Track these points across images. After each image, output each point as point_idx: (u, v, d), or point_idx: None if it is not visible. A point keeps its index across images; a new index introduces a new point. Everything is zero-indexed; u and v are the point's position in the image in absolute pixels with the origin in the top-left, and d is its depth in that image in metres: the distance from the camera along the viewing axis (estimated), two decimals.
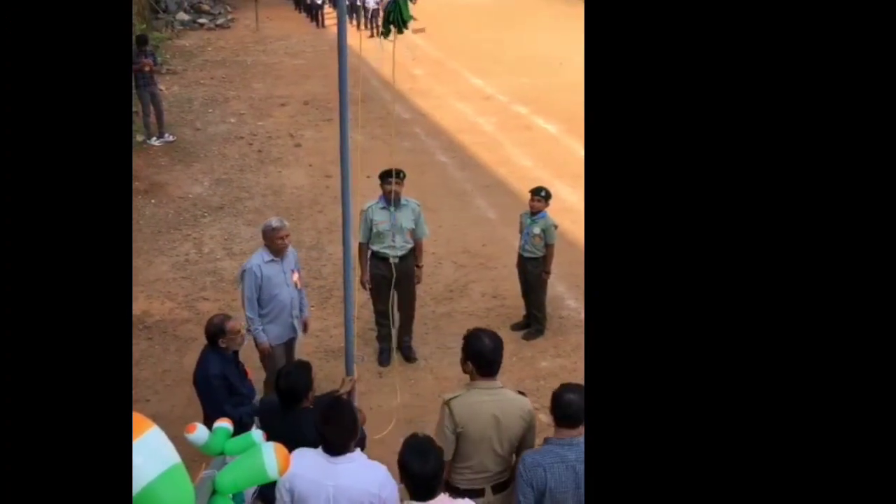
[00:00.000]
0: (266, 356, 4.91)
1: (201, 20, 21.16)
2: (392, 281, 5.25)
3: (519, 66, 16.22)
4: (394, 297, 5.60)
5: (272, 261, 4.74)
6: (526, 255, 5.95)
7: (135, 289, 6.71)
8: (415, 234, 5.64)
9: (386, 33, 3.58)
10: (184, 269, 7.26)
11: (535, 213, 5.85)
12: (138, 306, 6.39)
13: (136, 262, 7.20)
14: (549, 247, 5.85)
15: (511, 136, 11.50)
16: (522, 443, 3.24)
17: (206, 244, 7.81)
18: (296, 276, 4.91)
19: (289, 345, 5.03)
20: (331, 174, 9.57)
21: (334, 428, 2.80)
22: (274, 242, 4.72)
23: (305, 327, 5.21)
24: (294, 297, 4.90)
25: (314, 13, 21.79)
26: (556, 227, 5.88)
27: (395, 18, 3.52)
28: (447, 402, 3.21)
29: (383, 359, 5.78)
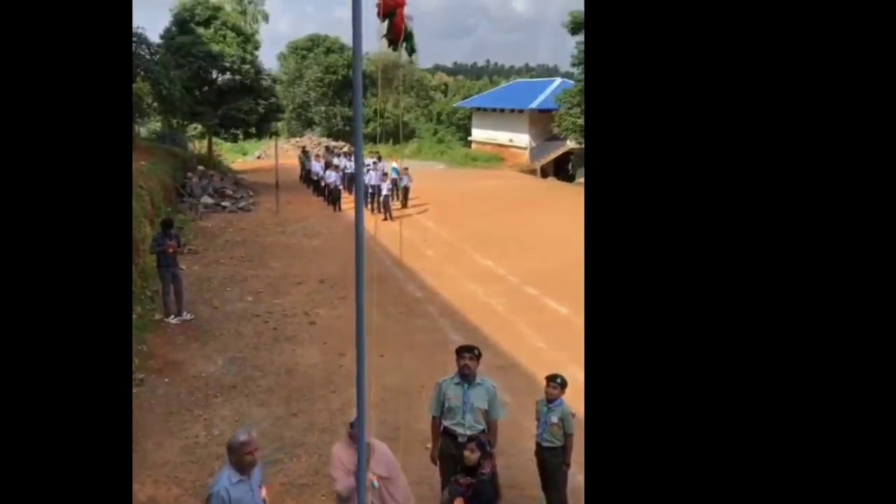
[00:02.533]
0: None
1: (224, 203, 22.27)
2: (457, 459, 5.10)
3: (528, 247, 16.79)
4: None
5: (240, 481, 4.38)
6: (544, 444, 5.82)
7: (142, 473, 6.54)
8: (488, 415, 5.54)
9: (393, 46, 4.12)
10: (192, 453, 7.09)
11: (551, 400, 5.80)
12: (145, 492, 6.20)
13: (146, 445, 7.07)
14: (568, 436, 5.74)
15: (523, 318, 11.65)
16: None
17: (216, 425, 7.69)
18: (263, 492, 4.60)
19: None
20: (344, 352, 9.63)
21: None
22: (242, 458, 4.38)
23: None
24: None
25: (331, 197, 22.95)
26: (573, 415, 5.81)
27: (409, 46, 4.11)
28: None
29: None
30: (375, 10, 3.99)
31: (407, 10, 4.14)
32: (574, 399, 6.15)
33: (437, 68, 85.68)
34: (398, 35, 4.08)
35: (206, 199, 22.09)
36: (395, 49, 4.21)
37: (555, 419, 5.74)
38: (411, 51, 4.23)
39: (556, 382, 5.83)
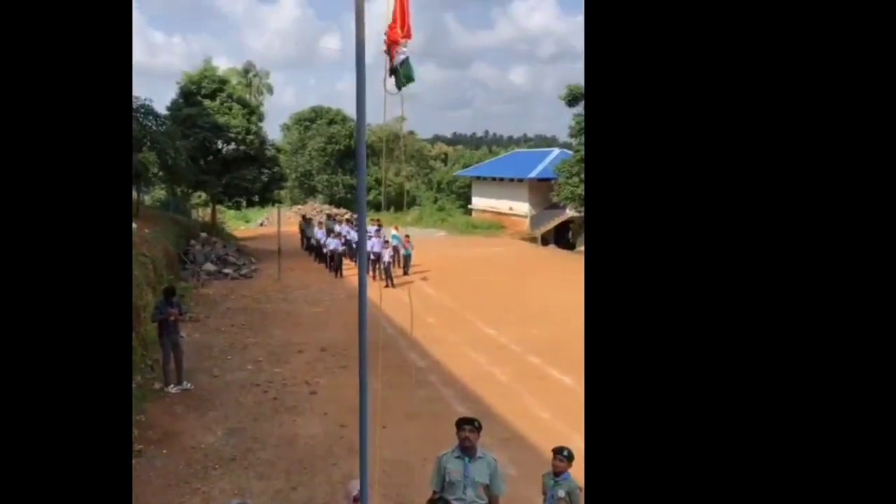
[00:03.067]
0: None
1: (226, 270, 22.32)
2: None
3: (530, 315, 16.75)
4: None
5: None
6: None
7: None
8: (490, 490, 5.39)
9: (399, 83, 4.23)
10: None
11: (558, 473, 5.69)
12: None
13: None
14: None
15: (527, 387, 11.53)
16: None
17: (214, 499, 7.51)
18: None
19: None
20: (346, 423, 9.49)
21: None
22: None
23: None
24: None
25: (333, 264, 23.03)
26: (581, 489, 5.68)
27: (405, 73, 4.16)
28: None
29: None
30: (382, 84, 4.18)
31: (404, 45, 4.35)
32: (581, 473, 6.03)
33: (436, 138, 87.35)
34: (392, 61, 4.28)
35: (209, 267, 22.17)
36: (397, 84, 4.37)
37: (562, 493, 5.61)
38: (408, 79, 4.35)
39: (563, 455, 5.73)
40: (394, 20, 4.16)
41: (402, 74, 4.27)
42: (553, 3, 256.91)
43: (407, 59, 4.31)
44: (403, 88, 4.17)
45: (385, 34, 4.14)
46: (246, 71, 49.46)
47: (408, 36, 4.20)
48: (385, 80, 4.27)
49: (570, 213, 34.50)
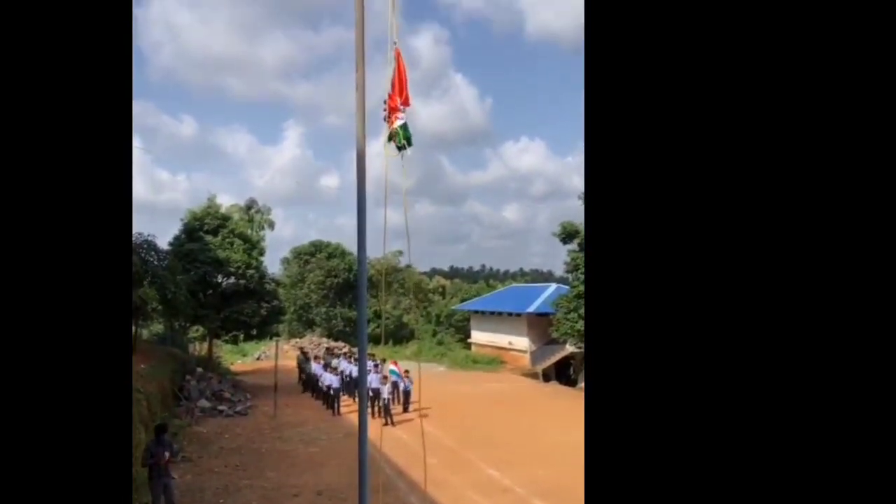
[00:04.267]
0: None
1: (221, 407, 21.80)
2: None
3: (534, 455, 16.18)
4: None
5: None
6: None
7: None
8: None
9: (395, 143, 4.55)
10: None
11: None
12: None
13: None
14: None
15: None
16: None
17: None
18: None
19: None
20: None
21: None
22: None
23: None
24: None
25: (330, 400, 22.51)
26: None
27: (404, 135, 4.48)
28: None
29: None
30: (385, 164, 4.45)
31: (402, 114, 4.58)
32: None
33: (434, 272, 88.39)
34: (392, 126, 4.58)
35: (204, 403, 21.66)
36: (398, 147, 4.61)
37: None
38: (407, 141, 4.54)
39: None
40: (393, 89, 4.53)
41: (400, 136, 4.52)
42: (542, 146, 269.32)
43: (405, 123, 4.62)
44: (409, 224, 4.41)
45: (385, 102, 4.52)
46: (248, 207, 50.73)
47: (406, 103, 4.55)
48: (384, 144, 4.57)
49: (570, 348, 34.27)
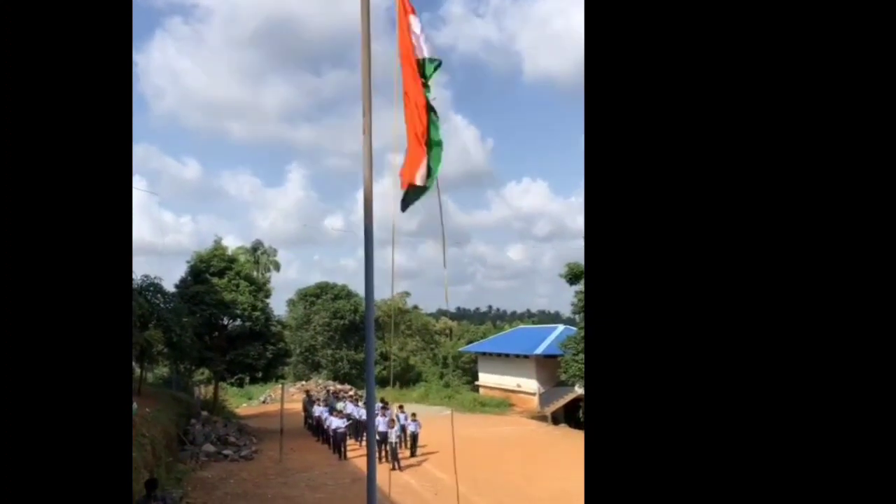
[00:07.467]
0: None
1: (226, 451, 21.46)
2: None
3: (545, 501, 15.80)
4: None
5: None
6: None
7: None
8: None
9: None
10: None
11: None
12: None
13: None
14: None
15: None
16: None
17: None
18: None
19: None
20: None
21: None
22: None
23: None
24: None
25: (336, 445, 22.14)
26: None
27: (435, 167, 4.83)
28: None
29: None
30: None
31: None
32: None
33: (441, 313, 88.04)
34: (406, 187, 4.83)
35: (208, 447, 21.33)
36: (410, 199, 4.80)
37: None
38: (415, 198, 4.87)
39: None
40: (405, 165, 4.90)
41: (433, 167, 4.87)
42: (544, 186, 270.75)
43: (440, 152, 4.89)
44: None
45: (400, 175, 4.74)
46: (254, 249, 50.89)
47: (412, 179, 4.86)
48: (399, 210, 4.76)
49: (578, 390, 33.82)
